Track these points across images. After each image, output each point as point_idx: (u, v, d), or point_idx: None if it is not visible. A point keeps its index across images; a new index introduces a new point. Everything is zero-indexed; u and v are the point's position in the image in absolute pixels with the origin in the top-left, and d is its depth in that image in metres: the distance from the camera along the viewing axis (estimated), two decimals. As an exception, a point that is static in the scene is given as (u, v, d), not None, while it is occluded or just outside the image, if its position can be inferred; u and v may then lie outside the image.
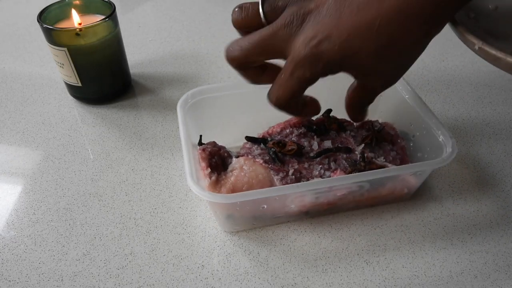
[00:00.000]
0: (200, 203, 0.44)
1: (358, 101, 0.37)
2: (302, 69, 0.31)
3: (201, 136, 0.42)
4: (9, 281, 0.38)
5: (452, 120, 0.54)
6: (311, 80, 0.32)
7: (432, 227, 0.42)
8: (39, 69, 0.65)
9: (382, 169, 0.39)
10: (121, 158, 0.50)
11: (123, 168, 0.48)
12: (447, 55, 0.67)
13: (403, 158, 0.43)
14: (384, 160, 0.42)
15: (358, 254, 0.40)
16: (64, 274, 0.39)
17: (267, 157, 0.41)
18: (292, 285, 0.38)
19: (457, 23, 0.36)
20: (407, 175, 0.40)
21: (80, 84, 0.55)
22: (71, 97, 0.59)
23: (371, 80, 0.33)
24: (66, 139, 0.53)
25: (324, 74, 0.32)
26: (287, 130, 0.45)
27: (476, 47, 0.35)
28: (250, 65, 0.35)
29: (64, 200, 0.45)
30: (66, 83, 0.57)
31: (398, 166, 0.40)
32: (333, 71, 0.32)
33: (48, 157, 0.50)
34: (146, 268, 0.39)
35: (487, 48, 0.34)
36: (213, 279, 0.38)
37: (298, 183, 0.38)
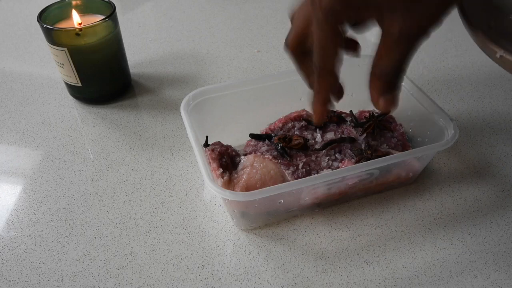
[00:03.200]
0: (200, 203, 0.44)
1: (386, 62, 0.31)
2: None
3: (207, 137, 0.43)
4: (9, 281, 0.38)
5: (452, 120, 0.54)
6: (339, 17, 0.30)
7: (432, 227, 0.42)
8: (39, 69, 0.65)
9: (391, 155, 0.40)
10: (121, 158, 0.50)
11: (123, 168, 0.48)
12: (447, 55, 0.67)
13: (404, 144, 0.45)
14: (387, 147, 0.43)
15: (358, 254, 0.40)
16: (64, 274, 0.39)
17: (275, 153, 0.42)
18: (292, 285, 0.37)
19: (478, 30, 0.36)
20: (412, 160, 0.41)
21: (80, 84, 0.55)
22: (71, 97, 0.59)
23: (399, 20, 0.29)
24: (66, 139, 0.53)
25: (349, 14, 0.30)
26: (289, 125, 0.46)
27: (498, 55, 0.35)
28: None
29: (64, 200, 0.45)
30: (66, 83, 0.57)
31: (405, 152, 0.41)
32: (357, 12, 0.30)
33: (48, 157, 0.50)
34: (146, 268, 0.39)
35: (509, 57, 0.34)
36: (213, 279, 0.38)
37: (315, 176, 0.39)
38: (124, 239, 0.41)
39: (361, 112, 0.48)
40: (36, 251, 0.40)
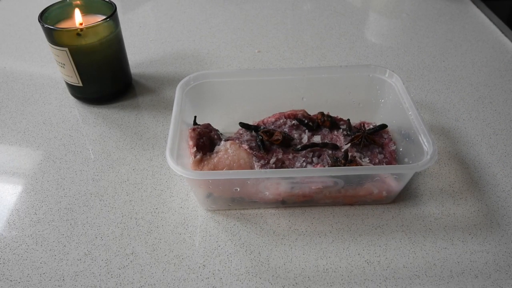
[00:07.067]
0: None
1: None
2: None
3: (195, 117, 0.44)
4: (11, 281, 0.38)
5: (452, 120, 0.54)
6: None
7: (433, 227, 0.42)
8: (40, 69, 0.66)
9: (352, 167, 0.39)
10: (122, 158, 0.50)
11: (124, 168, 0.49)
12: (447, 55, 0.67)
13: (390, 163, 0.43)
14: (368, 161, 0.42)
15: (359, 254, 0.40)
16: (65, 274, 0.39)
17: (253, 144, 0.43)
18: (293, 285, 0.38)
19: None
20: (387, 178, 0.40)
21: (81, 84, 0.55)
22: (72, 97, 0.59)
23: None
24: (67, 139, 0.53)
25: None
26: (281, 121, 0.46)
27: None
28: None
29: (65, 200, 0.45)
30: (67, 83, 0.57)
31: (370, 166, 0.40)
32: None
33: (49, 157, 0.50)
34: (147, 268, 0.39)
35: None
36: (214, 279, 0.38)
37: (265, 170, 0.39)
38: (125, 239, 0.41)
39: (362, 123, 0.48)
40: (37, 251, 0.41)
